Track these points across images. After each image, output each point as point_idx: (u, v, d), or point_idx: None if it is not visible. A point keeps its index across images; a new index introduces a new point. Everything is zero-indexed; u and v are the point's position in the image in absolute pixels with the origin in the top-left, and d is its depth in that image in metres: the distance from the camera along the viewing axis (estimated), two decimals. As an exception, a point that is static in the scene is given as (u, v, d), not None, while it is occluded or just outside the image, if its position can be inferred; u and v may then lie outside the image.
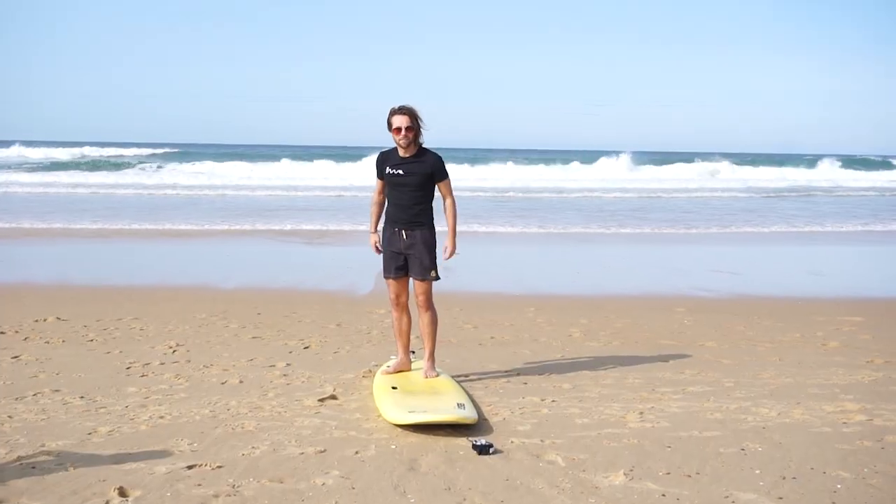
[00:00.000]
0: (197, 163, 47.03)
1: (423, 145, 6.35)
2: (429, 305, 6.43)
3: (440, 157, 6.37)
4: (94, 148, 61.22)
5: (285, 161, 47.51)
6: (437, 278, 6.44)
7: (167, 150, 61.90)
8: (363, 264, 13.53)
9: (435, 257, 6.40)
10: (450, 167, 6.73)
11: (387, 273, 6.51)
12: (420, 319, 6.50)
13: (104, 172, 40.93)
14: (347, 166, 44.78)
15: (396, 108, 6.32)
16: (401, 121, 6.25)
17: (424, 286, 6.40)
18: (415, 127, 6.25)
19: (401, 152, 6.32)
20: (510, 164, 49.66)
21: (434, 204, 6.40)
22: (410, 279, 6.50)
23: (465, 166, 45.77)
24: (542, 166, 49.41)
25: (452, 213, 6.40)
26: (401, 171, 6.31)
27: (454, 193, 6.45)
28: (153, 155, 55.93)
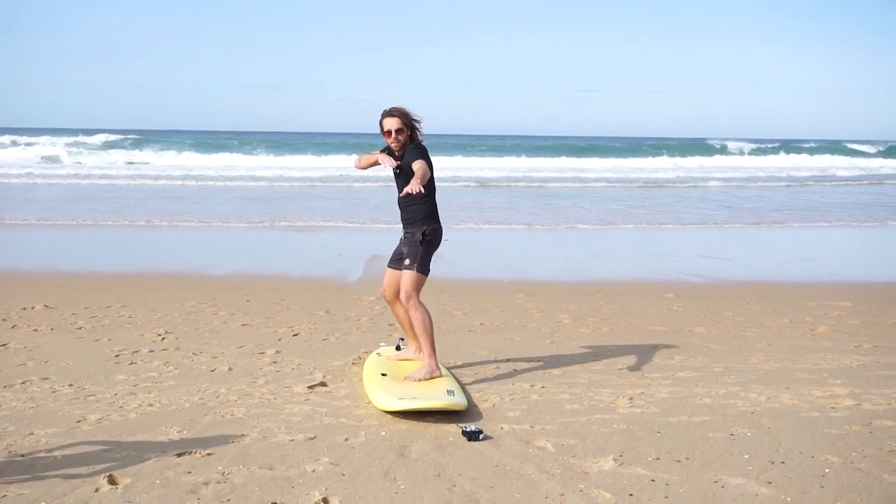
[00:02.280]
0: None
1: (422, 142, 6.20)
2: (410, 302, 6.09)
3: (418, 147, 6.12)
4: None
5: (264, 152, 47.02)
6: (420, 273, 6.12)
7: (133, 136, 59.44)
8: (352, 252, 13.52)
9: (419, 252, 6.11)
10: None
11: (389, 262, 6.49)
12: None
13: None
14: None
15: (387, 109, 6.16)
16: (391, 123, 6.10)
17: (404, 278, 6.12)
18: (406, 128, 6.11)
19: (395, 152, 6.22)
20: (523, 156, 48.43)
21: (443, 201, 6.21)
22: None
23: (458, 157, 45.18)
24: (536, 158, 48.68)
25: (420, 172, 5.94)
26: (396, 171, 6.16)
27: (435, 177, 6.18)
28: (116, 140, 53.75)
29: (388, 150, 6.29)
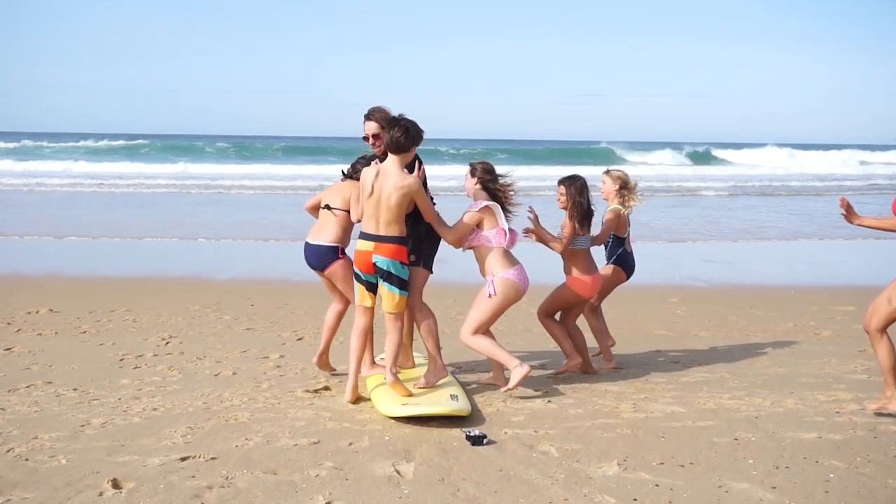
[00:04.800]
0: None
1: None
2: (415, 306, 6.11)
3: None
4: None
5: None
6: (428, 271, 6.23)
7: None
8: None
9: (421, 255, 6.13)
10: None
11: None
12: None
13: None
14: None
15: (367, 111, 6.04)
16: (369, 128, 6.02)
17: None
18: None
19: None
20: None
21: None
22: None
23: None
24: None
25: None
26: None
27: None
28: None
29: (373, 158, 6.17)
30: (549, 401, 5.98)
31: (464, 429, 5.25)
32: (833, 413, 5.72)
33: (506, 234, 5.97)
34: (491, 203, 5.97)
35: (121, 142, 54.56)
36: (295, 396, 6.05)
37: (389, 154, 5.67)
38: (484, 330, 6.05)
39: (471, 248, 6.06)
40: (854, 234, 18.40)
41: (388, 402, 5.59)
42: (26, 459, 4.70)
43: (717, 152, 58.87)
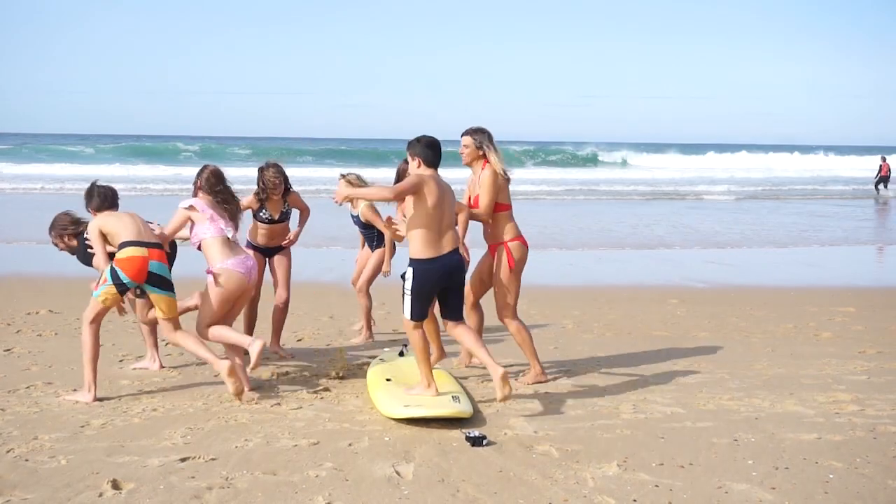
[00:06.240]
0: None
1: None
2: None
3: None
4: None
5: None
6: None
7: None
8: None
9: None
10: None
11: None
12: None
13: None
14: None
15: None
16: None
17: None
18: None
19: None
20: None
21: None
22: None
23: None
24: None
25: None
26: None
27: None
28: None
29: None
30: (549, 401, 5.98)
31: (463, 430, 5.25)
32: (833, 414, 5.72)
33: (217, 225, 6.36)
34: (193, 200, 6.32)
35: (116, 143, 54.59)
36: (295, 397, 6.05)
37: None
38: (216, 322, 6.20)
39: (197, 246, 6.40)
40: (854, 236, 18.43)
41: (389, 403, 5.58)
42: (26, 460, 4.70)
43: (717, 153, 58.97)
